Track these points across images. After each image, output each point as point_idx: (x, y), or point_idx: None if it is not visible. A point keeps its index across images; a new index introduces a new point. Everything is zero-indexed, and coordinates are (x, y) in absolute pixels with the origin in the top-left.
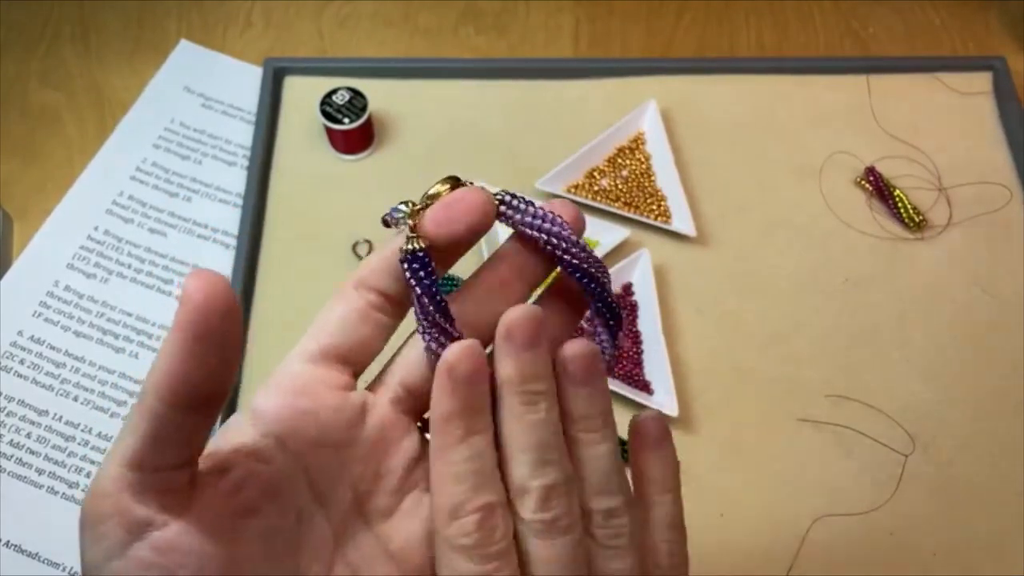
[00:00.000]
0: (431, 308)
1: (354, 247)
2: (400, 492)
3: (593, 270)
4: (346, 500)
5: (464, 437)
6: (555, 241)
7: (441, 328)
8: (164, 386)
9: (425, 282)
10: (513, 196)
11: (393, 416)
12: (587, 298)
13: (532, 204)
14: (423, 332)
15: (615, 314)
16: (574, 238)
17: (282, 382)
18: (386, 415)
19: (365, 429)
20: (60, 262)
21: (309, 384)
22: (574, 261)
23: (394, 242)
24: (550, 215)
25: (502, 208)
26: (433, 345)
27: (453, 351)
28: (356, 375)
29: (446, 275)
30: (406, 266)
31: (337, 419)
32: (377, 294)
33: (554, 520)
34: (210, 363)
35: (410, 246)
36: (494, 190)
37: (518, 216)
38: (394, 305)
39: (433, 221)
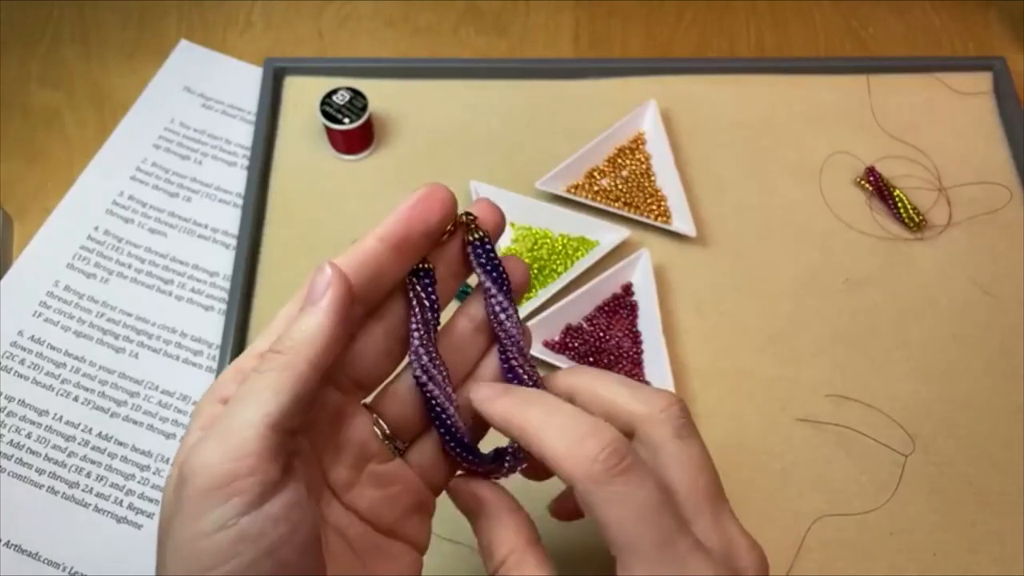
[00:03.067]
0: (429, 326)
1: None
2: (359, 464)
3: (515, 352)
4: (317, 475)
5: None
6: (492, 313)
7: (424, 344)
8: (318, 351)
9: (433, 296)
10: (484, 245)
11: (343, 398)
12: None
13: (493, 263)
14: (419, 346)
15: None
16: (514, 328)
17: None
18: (339, 398)
19: (325, 410)
20: (60, 262)
21: None
22: (507, 345)
23: (361, 247)
24: (507, 284)
25: (469, 248)
26: (419, 362)
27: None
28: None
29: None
30: (414, 281)
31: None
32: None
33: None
34: (350, 332)
35: (419, 266)
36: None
37: (475, 263)
38: (362, 307)
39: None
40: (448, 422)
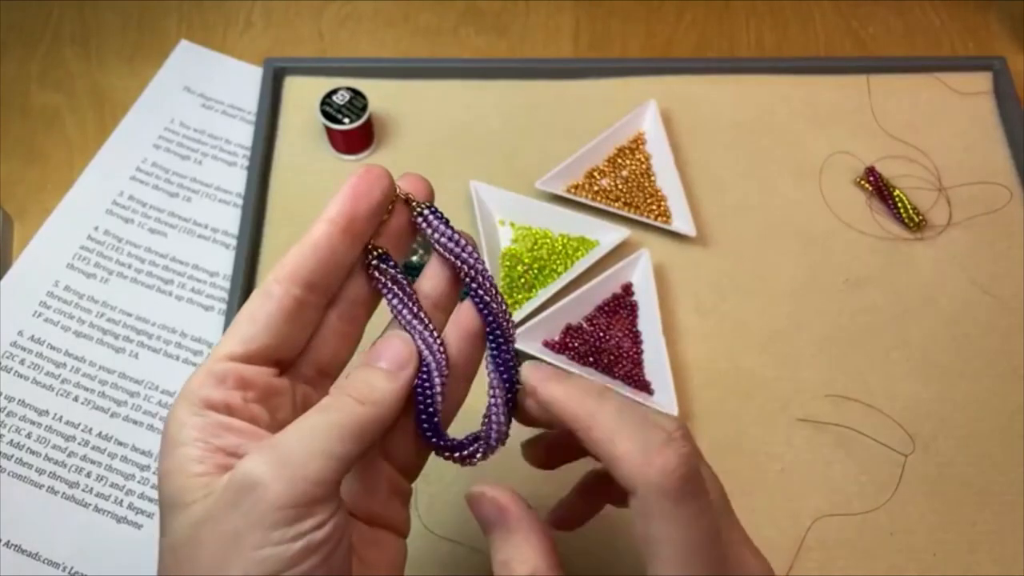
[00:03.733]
0: (409, 301)
1: None
2: None
3: (493, 303)
4: None
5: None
6: (465, 268)
7: (419, 316)
8: (390, 413)
9: (400, 276)
10: (434, 212)
11: (312, 390)
12: (486, 328)
13: (450, 227)
14: (406, 323)
15: (508, 343)
16: (481, 266)
17: (226, 380)
18: (307, 391)
19: (295, 405)
20: (60, 262)
21: (248, 381)
22: (479, 291)
23: (312, 233)
24: (463, 241)
25: (420, 220)
26: (418, 334)
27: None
28: (283, 369)
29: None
30: (375, 268)
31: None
32: (304, 287)
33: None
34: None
35: (373, 253)
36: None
37: (431, 231)
38: (322, 295)
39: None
40: (431, 402)
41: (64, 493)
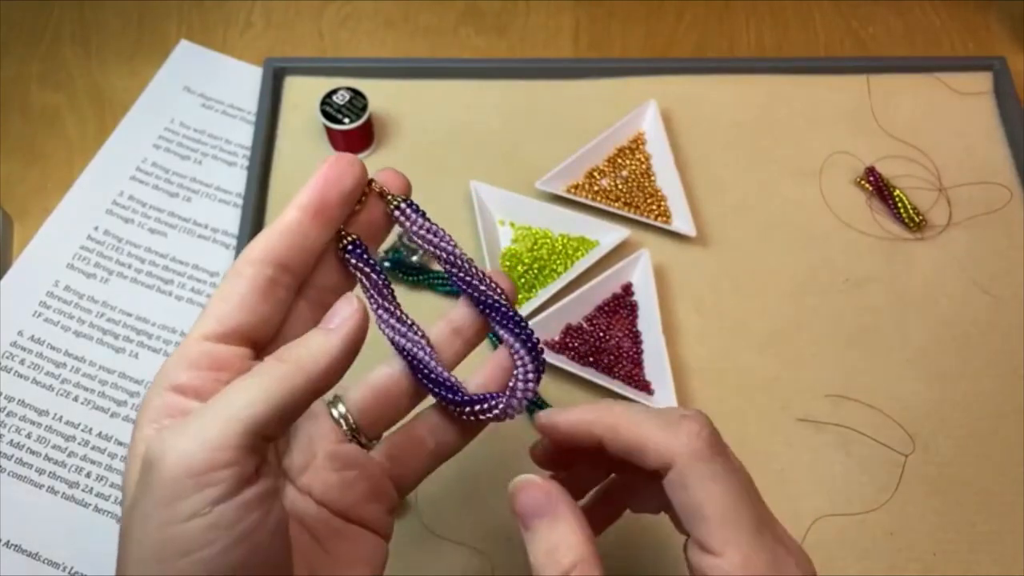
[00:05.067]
0: (380, 287)
1: None
2: (311, 447)
3: (481, 285)
4: (274, 461)
5: None
6: (444, 255)
7: (388, 308)
8: (319, 371)
9: (371, 261)
10: (410, 205)
11: None
12: (485, 317)
13: (427, 218)
14: (378, 308)
15: (516, 323)
16: (461, 252)
17: (200, 362)
18: None
19: None
20: (60, 262)
21: (223, 362)
22: (465, 277)
23: (282, 218)
24: (442, 231)
25: (396, 213)
26: (386, 322)
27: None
28: (259, 352)
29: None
30: (348, 254)
31: None
32: (276, 267)
33: None
34: (349, 364)
35: (346, 240)
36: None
37: (409, 224)
38: (293, 277)
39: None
40: (432, 374)
41: (64, 493)
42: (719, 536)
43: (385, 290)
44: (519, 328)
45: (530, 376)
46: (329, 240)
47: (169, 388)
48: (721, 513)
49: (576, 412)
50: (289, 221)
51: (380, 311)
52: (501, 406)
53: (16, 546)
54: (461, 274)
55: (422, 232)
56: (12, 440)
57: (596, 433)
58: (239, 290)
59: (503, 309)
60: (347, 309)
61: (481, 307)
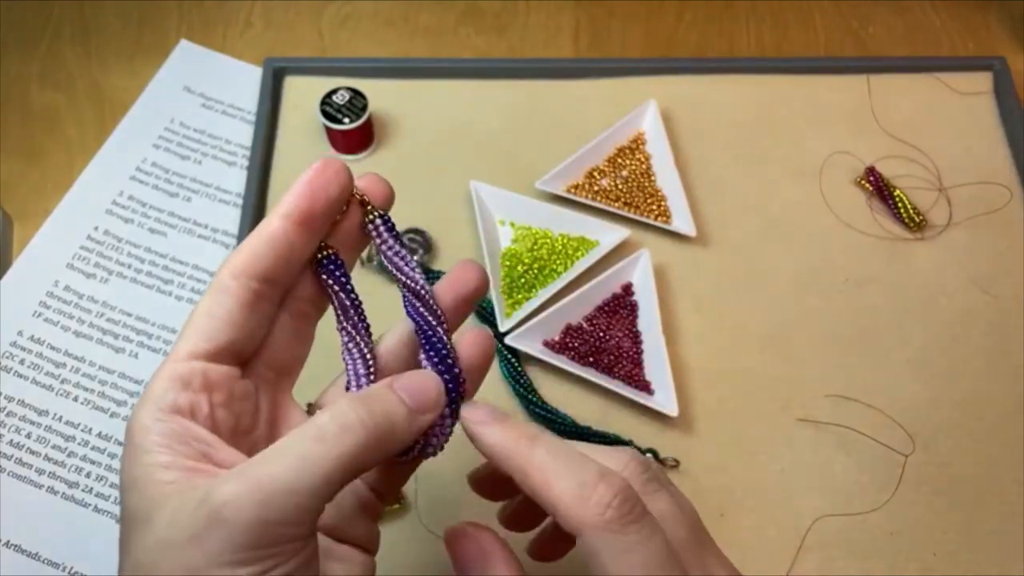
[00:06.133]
0: (349, 305)
1: None
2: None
3: (429, 315)
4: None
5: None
6: (403, 280)
7: (357, 326)
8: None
9: (343, 280)
10: (386, 223)
11: (278, 394)
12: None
13: (399, 239)
14: (341, 329)
15: (445, 364)
16: (420, 278)
17: (192, 383)
18: (273, 394)
19: (260, 411)
20: (60, 262)
21: (214, 384)
22: (415, 302)
23: (266, 228)
24: (409, 257)
25: (370, 227)
26: (345, 346)
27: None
28: (244, 367)
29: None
30: (323, 269)
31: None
32: (261, 281)
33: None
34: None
35: (323, 253)
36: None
37: (379, 242)
38: (278, 290)
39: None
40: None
41: (64, 493)
42: None
43: (353, 311)
44: (445, 367)
45: (447, 422)
46: (314, 250)
47: (169, 410)
48: None
49: (496, 438)
50: (273, 230)
51: (343, 334)
52: (419, 446)
53: (16, 546)
54: (417, 302)
55: (389, 253)
56: (12, 440)
57: (507, 469)
58: (226, 306)
59: (439, 346)
60: (433, 394)
61: (420, 336)
